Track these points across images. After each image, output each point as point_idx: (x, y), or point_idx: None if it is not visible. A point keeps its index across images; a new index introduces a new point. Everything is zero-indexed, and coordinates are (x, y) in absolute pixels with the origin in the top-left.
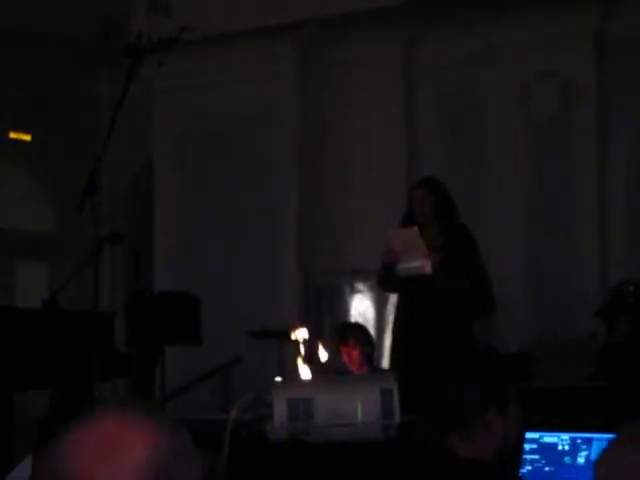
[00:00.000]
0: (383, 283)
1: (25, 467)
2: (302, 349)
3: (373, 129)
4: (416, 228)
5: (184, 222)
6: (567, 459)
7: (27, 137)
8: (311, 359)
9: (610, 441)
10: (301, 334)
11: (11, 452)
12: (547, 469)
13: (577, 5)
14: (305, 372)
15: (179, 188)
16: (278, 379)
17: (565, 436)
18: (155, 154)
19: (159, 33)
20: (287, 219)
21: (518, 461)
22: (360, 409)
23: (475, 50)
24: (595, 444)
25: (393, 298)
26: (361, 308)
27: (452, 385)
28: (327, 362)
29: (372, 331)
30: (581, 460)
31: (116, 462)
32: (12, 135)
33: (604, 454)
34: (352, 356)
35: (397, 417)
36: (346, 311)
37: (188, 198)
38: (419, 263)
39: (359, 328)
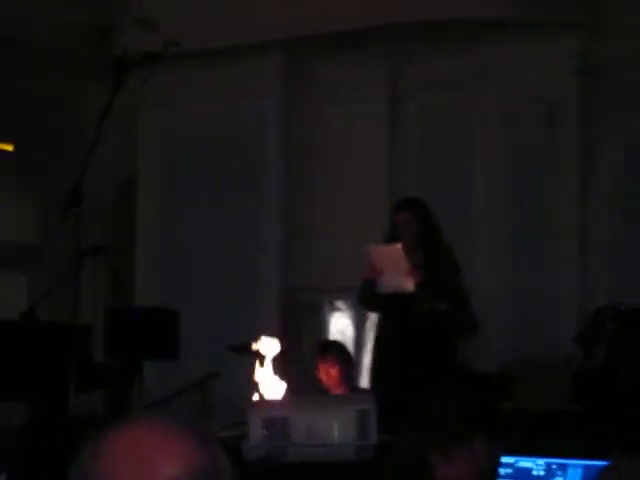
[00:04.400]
0: (363, 300)
1: None
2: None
3: (356, 147)
4: (400, 245)
5: (166, 237)
6: None
7: (10, 147)
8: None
9: (601, 472)
10: (267, 346)
11: None
12: None
13: (562, 28)
14: (276, 388)
15: (161, 203)
16: (255, 397)
17: (540, 461)
18: (138, 168)
19: (146, 46)
20: (269, 235)
21: None
22: (336, 429)
23: (461, 71)
24: (570, 470)
25: (372, 317)
26: (340, 326)
27: (446, 403)
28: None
29: (351, 349)
30: None
31: (146, 478)
32: None
33: None
34: (330, 374)
35: (373, 439)
36: (325, 329)
37: (170, 213)
38: (401, 281)
39: (339, 346)
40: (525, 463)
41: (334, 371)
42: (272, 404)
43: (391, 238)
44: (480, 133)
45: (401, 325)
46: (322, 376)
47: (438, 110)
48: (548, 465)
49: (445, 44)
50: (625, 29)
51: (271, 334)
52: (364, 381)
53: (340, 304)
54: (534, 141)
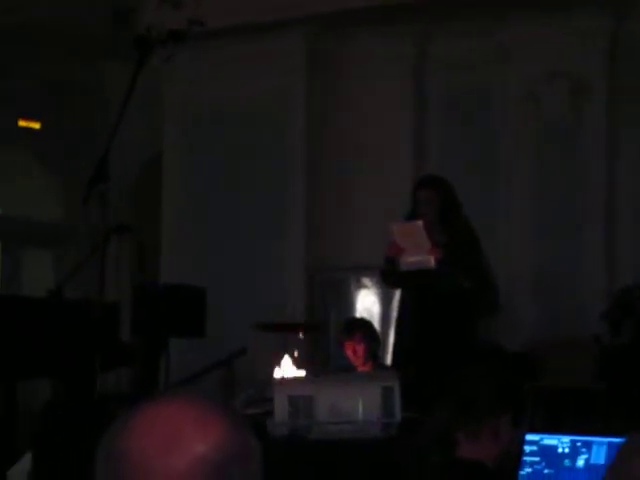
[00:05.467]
0: (386, 278)
1: (25, 462)
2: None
3: (381, 126)
4: (421, 222)
5: (191, 214)
6: (567, 462)
7: (36, 125)
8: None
9: (619, 451)
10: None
11: (14, 441)
12: (546, 471)
13: (590, 5)
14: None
15: (187, 180)
16: (279, 375)
17: (565, 439)
18: (164, 145)
19: (170, 24)
20: (294, 212)
21: (517, 464)
22: (361, 407)
23: (486, 49)
24: (595, 447)
25: (398, 294)
26: (366, 304)
27: (475, 381)
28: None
29: (377, 327)
30: (580, 463)
31: (174, 456)
32: (21, 123)
33: (613, 464)
34: (357, 351)
35: (398, 416)
36: (351, 306)
37: (196, 191)
38: (422, 258)
39: (366, 324)
40: (550, 441)
41: (361, 349)
42: (297, 382)
43: (412, 215)
44: (505, 111)
45: (422, 303)
46: (349, 354)
47: (463, 88)
48: (573, 443)
49: (471, 22)
50: None
51: (297, 312)
52: (390, 359)
53: (367, 281)
54: (560, 119)
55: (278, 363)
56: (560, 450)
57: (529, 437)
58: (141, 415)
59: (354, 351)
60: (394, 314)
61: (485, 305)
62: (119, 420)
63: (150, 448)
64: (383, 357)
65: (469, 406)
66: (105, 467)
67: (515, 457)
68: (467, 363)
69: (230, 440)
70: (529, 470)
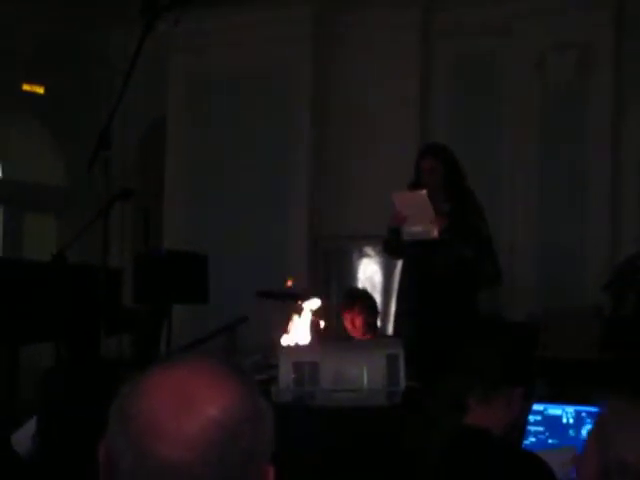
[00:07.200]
0: (389, 248)
1: (30, 426)
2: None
3: (386, 94)
4: (424, 192)
5: (194, 181)
6: (571, 432)
7: (40, 89)
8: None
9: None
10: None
11: (15, 405)
12: (551, 441)
13: None
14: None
15: (190, 146)
16: (285, 342)
17: (570, 409)
18: (167, 112)
19: None
20: (297, 180)
21: (521, 433)
22: (366, 375)
23: (492, 17)
24: None
25: (401, 264)
26: (368, 273)
27: (493, 350)
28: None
29: (379, 296)
30: (585, 433)
31: (186, 418)
32: (25, 87)
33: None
34: (355, 323)
35: (402, 384)
36: (353, 276)
37: (199, 158)
38: (426, 227)
39: (365, 295)
40: (554, 410)
41: (359, 320)
42: (302, 349)
43: (416, 184)
44: (511, 80)
45: (424, 272)
46: (347, 325)
47: (469, 56)
48: (578, 413)
49: None
50: None
51: (300, 280)
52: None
53: (369, 251)
54: (566, 87)
55: (283, 330)
56: (565, 420)
57: (534, 407)
58: (153, 377)
59: (353, 323)
60: (396, 284)
61: (486, 275)
62: (131, 382)
63: (161, 409)
64: (384, 326)
65: (486, 371)
66: (117, 428)
67: (520, 427)
68: (473, 333)
69: (242, 404)
70: (533, 440)
